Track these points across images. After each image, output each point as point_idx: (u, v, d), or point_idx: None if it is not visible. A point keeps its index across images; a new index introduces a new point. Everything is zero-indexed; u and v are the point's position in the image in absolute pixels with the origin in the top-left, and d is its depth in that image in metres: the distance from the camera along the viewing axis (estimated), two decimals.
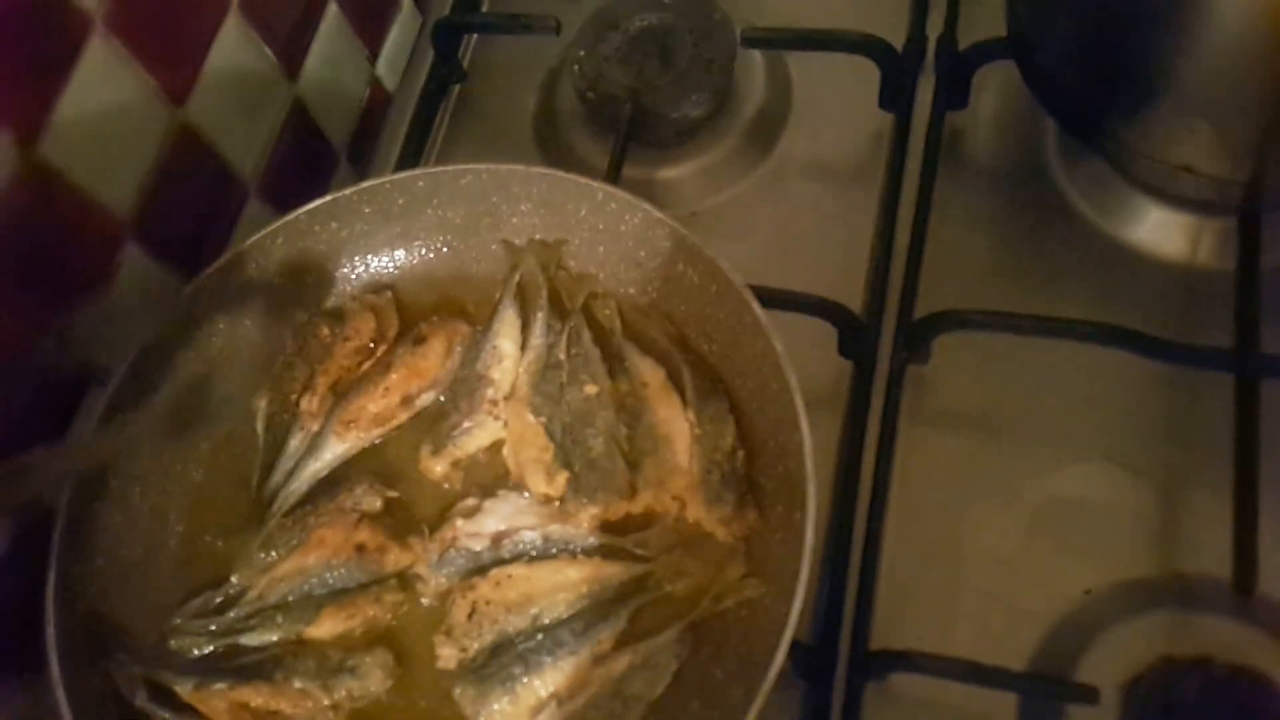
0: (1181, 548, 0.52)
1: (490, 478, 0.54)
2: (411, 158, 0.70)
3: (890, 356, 0.58)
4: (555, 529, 0.52)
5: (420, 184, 0.57)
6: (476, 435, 0.54)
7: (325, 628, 0.51)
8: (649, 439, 0.53)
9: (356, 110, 0.74)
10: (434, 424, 0.55)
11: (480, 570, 0.51)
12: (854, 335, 0.58)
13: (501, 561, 0.51)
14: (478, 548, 0.52)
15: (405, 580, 0.52)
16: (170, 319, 0.53)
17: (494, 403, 0.55)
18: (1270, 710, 0.47)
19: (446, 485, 0.55)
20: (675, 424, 0.53)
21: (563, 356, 0.55)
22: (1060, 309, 0.56)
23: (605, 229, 0.56)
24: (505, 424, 0.55)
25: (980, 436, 0.57)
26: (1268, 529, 0.49)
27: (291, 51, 0.65)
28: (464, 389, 0.56)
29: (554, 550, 0.51)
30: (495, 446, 0.55)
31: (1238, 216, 0.56)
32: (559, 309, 0.57)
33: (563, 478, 0.52)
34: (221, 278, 0.55)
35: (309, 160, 0.70)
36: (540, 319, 0.56)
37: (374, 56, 0.75)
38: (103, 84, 0.52)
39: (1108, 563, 0.52)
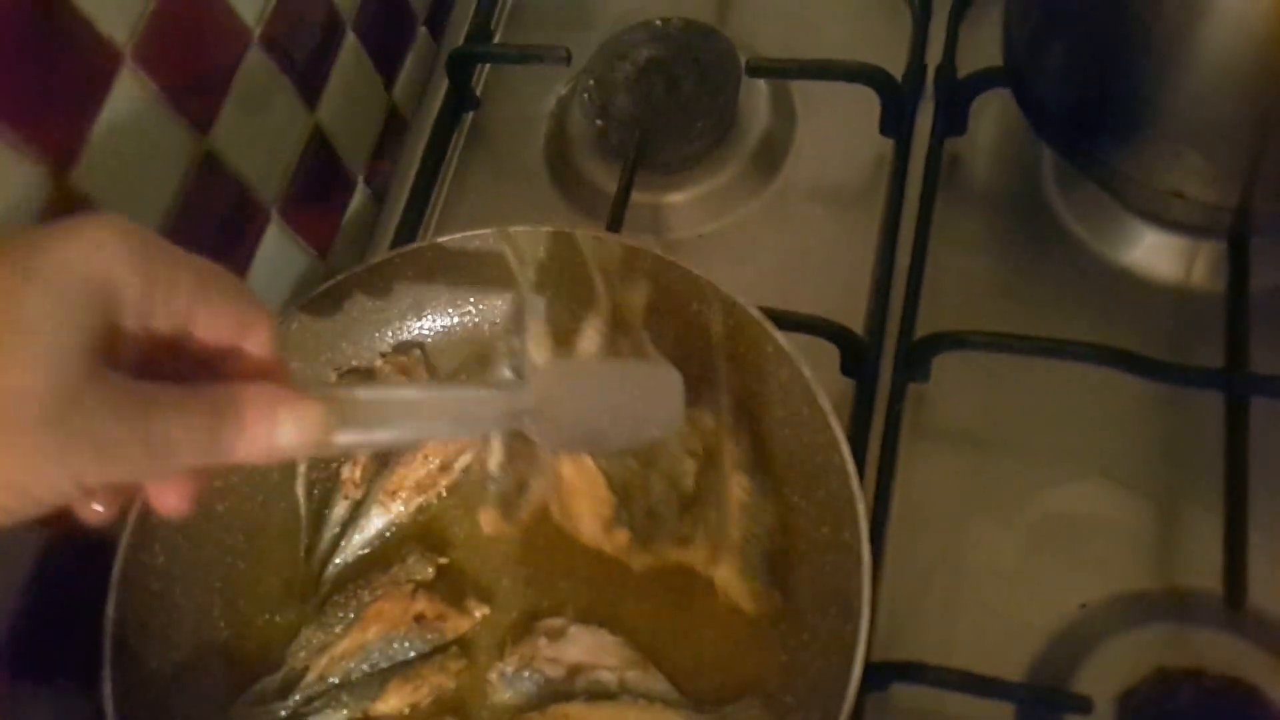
0: (1175, 562, 0.53)
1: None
2: (426, 183, 0.72)
3: (891, 375, 0.59)
4: (633, 675, 0.50)
5: (428, 254, 0.58)
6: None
7: (392, 702, 0.50)
8: (713, 494, 0.51)
9: (373, 137, 0.76)
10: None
11: (542, 701, 0.50)
12: (856, 355, 0.59)
13: (569, 695, 0.50)
14: (552, 674, 0.50)
15: (466, 645, 0.52)
16: None
17: None
18: None
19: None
20: (737, 492, 0.51)
21: None
22: (1056, 329, 0.57)
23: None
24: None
25: (980, 453, 0.58)
26: (1257, 543, 0.50)
27: (311, 80, 0.67)
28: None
29: (623, 696, 0.49)
30: None
31: (1227, 240, 0.57)
32: (618, 318, 0.52)
33: (623, 536, 0.50)
34: None
35: (327, 185, 0.72)
36: (595, 325, 0.52)
37: (390, 84, 0.77)
38: (131, 113, 0.53)
39: (1103, 577, 0.53)
